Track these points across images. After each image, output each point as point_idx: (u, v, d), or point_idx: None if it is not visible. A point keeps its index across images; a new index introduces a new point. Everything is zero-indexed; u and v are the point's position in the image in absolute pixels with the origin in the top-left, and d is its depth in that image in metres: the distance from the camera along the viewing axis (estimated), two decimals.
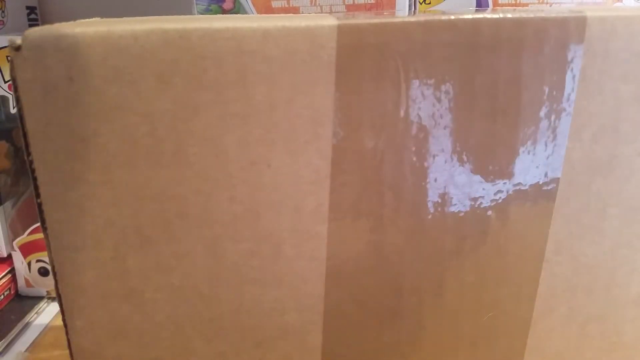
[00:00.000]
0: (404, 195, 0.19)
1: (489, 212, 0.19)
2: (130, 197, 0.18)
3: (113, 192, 0.18)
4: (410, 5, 0.32)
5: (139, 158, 0.17)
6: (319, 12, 0.32)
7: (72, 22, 0.17)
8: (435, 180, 0.19)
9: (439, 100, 0.18)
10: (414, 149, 0.18)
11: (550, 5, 0.33)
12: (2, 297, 0.38)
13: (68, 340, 0.20)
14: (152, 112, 0.17)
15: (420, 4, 0.33)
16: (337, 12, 0.32)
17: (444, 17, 0.17)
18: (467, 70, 0.17)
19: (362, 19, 0.17)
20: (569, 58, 0.18)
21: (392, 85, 0.17)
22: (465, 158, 0.19)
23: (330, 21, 0.17)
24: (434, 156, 0.18)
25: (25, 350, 0.34)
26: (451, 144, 0.18)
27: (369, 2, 0.31)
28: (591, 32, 0.18)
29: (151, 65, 0.17)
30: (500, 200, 0.19)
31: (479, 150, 0.18)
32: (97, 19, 0.19)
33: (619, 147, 0.19)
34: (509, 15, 0.17)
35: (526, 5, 0.33)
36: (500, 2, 0.32)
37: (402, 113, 0.18)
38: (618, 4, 0.35)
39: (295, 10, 0.32)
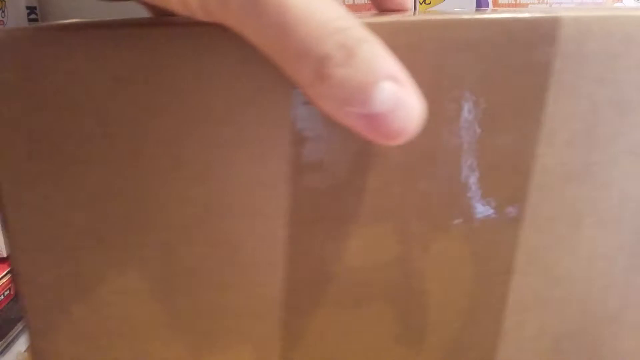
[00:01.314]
0: (365, 201, 0.18)
1: (454, 216, 0.18)
2: (86, 198, 0.17)
3: (69, 193, 0.17)
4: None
5: (95, 159, 0.17)
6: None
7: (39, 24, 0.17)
8: (397, 184, 0.18)
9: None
10: (376, 153, 0.18)
11: (550, 5, 0.32)
12: (2, 297, 0.39)
13: (29, 341, 0.19)
14: (108, 113, 0.17)
15: (421, 4, 0.32)
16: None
17: (407, 19, 0.16)
18: (433, 73, 0.17)
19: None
20: (541, 60, 0.17)
21: None
22: (425, 158, 0.18)
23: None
24: (388, 158, 0.18)
25: (25, 351, 0.34)
26: (414, 148, 0.18)
27: (369, 2, 0.30)
28: (565, 33, 0.17)
29: (108, 67, 0.16)
30: (462, 204, 0.18)
31: (439, 152, 0.18)
32: (76, 20, 0.19)
33: (594, 153, 0.18)
34: (476, 17, 0.16)
35: (526, 5, 0.32)
36: (500, 2, 0.32)
37: None
38: (618, 4, 0.34)
39: None
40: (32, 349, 0.20)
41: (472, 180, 0.18)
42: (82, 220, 0.18)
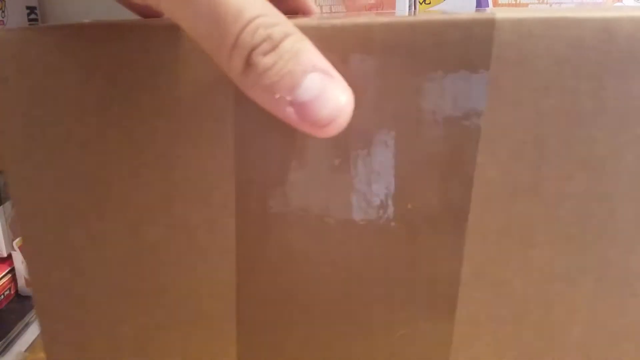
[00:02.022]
0: (309, 198, 0.19)
1: (393, 224, 0.18)
2: (66, 176, 0.20)
3: (53, 172, 0.20)
4: (410, 6, 0.31)
5: (71, 142, 0.20)
6: (319, 12, 0.32)
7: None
8: (340, 185, 0.18)
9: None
10: (319, 152, 0.18)
11: (550, 5, 0.29)
12: (2, 297, 0.39)
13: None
14: (80, 101, 0.19)
15: (421, 4, 0.31)
16: (337, 12, 0.31)
17: (335, 22, 0.17)
18: (360, 78, 0.17)
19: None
20: (475, 65, 0.16)
21: None
22: (365, 165, 0.18)
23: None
24: (339, 162, 0.18)
25: (25, 350, 0.36)
26: (354, 151, 0.18)
27: (370, 2, 0.30)
28: (501, 36, 0.16)
29: (80, 59, 0.19)
30: (403, 211, 0.18)
31: (383, 158, 0.18)
32: (65, 23, 0.22)
33: (545, 166, 0.17)
34: (404, 19, 0.16)
35: (526, 5, 0.30)
36: (500, 2, 0.30)
37: None
38: (618, 4, 0.30)
39: None
40: (35, 301, 0.23)
41: (409, 183, 0.18)
42: (65, 196, 0.20)
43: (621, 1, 0.36)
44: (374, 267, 0.19)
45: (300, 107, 0.16)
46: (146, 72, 0.18)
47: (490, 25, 0.16)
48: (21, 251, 0.22)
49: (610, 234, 0.17)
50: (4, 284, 0.40)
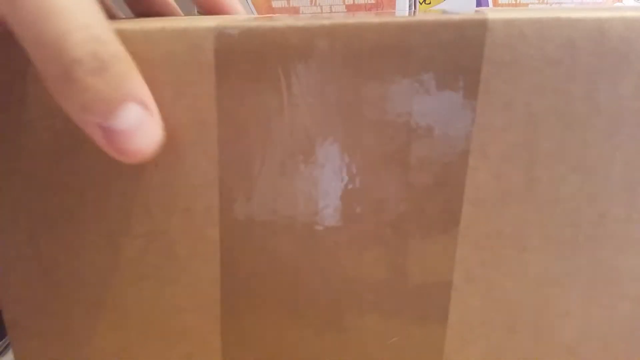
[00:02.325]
0: (295, 204, 0.18)
1: (386, 229, 0.18)
2: (37, 186, 0.19)
3: (22, 181, 0.19)
4: (410, 5, 0.31)
5: (41, 150, 0.19)
6: (318, 12, 0.31)
7: None
8: (325, 190, 0.18)
9: (324, 108, 0.17)
10: (301, 157, 0.18)
11: (551, 6, 0.29)
12: None
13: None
14: (52, 108, 0.18)
15: (421, 4, 0.31)
16: (337, 12, 0.31)
17: (325, 22, 0.16)
18: (351, 79, 0.16)
19: (246, 21, 0.17)
20: (466, 66, 0.16)
21: (273, 90, 0.17)
22: (354, 170, 0.17)
23: (209, 23, 0.17)
24: (322, 166, 0.18)
25: None
26: (339, 155, 0.17)
27: (369, 2, 0.30)
28: (493, 37, 0.15)
29: None
30: (394, 217, 0.18)
31: (369, 163, 0.17)
32: None
33: (537, 169, 0.17)
34: (396, 20, 0.16)
35: (526, 5, 0.30)
36: (500, 2, 0.30)
37: (286, 119, 0.17)
38: (618, 4, 0.31)
39: (295, 11, 0.32)
40: (6, 322, 0.22)
41: (403, 189, 0.17)
42: (36, 206, 0.19)
43: (621, 1, 0.36)
44: (364, 274, 0.18)
45: (110, 134, 0.15)
46: None
47: (482, 26, 0.15)
48: None
49: (601, 236, 0.17)
50: None
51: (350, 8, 0.31)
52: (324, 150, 0.17)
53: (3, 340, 0.33)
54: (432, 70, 0.16)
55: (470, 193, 0.17)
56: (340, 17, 0.17)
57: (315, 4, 0.32)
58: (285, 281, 0.19)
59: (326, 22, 0.16)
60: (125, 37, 0.17)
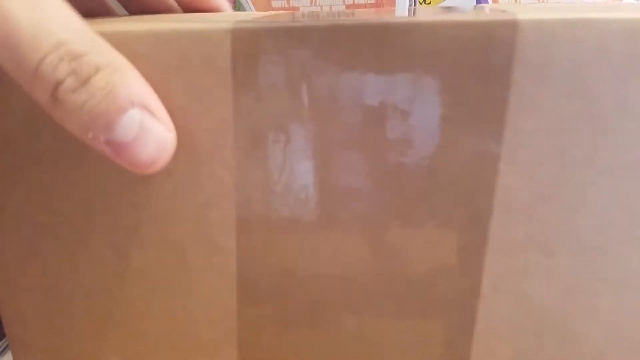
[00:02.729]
0: (315, 211, 0.17)
1: (408, 235, 0.17)
2: (41, 196, 0.18)
3: (26, 191, 0.18)
4: (410, 5, 0.30)
5: (46, 160, 0.18)
6: (318, 12, 0.31)
7: None
8: (345, 194, 0.17)
9: (345, 111, 0.16)
10: (320, 161, 0.17)
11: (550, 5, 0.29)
12: None
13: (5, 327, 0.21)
14: None
15: (421, 3, 0.31)
16: (337, 12, 0.30)
17: (347, 22, 0.15)
18: (374, 82, 0.16)
19: (264, 22, 0.16)
20: (497, 68, 0.15)
21: (292, 93, 0.16)
22: (376, 175, 0.17)
23: (224, 25, 0.16)
24: (343, 169, 0.17)
25: None
26: (360, 160, 0.17)
27: (369, 1, 0.30)
28: (524, 38, 0.15)
29: None
30: (417, 223, 0.17)
31: (392, 169, 0.17)
32: None
33: (567, 173, 0.16)
34: (422, 20, 0.15)
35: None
36: (500, 1, 0.29)
37: (305, 123, 0.16)
38: (617, 3, 0.31)
39: (295, 10, 0.31)
40: (8, 336, 0.21)
41: (429, 195, 0.17)
42: (40, 217, 0.18)
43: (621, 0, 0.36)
44: (386, 282, 0.18)
45: (118, 146, 0.14)
46: None
47: (512, 26, 0.15)
48: None
49: (631, 242, 0.17)
50: None
51: (350, 7, 0.31)
52: (345, 153, 0.17)
53: (3, 340, 0.33)
54: (462, 72, 0.15)
55: (500, 198, 0.16)
56: (363, 17, 0.16)
57: (315, 4, 0.31)
58: (306, 291, 0.18)
59: (349, 21, 0.15)
60: (132, 39, 0.16)
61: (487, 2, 0.30)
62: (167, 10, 0.25)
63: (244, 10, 0.31)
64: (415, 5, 0.31)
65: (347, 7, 0.31)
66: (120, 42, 0.16)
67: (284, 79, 0.16)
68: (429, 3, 0.32)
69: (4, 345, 0.33)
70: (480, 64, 0.15)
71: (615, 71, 0.15)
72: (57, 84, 0.14)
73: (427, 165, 0.16)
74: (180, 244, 0.18)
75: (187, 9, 0.25)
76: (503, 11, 0.16)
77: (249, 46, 0.16)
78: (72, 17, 0.14)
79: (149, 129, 0.15)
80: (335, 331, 0.19)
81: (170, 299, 0.19)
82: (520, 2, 0.31)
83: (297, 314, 0.19)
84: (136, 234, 0.18)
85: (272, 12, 0.21)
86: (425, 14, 0.17)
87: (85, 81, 0.14)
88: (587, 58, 0.15)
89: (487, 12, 0.16)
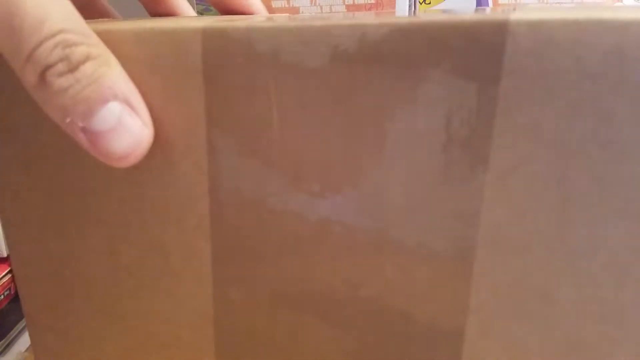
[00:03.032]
0: (287, 219, 0.16)
1: (385, 264, 0.15)
2: (45, 187, 0.19)
3: (32, 180, 0.19)
4: (410, 5, 0.28)
5: (49, 152, 0.18)
6: (318, 12, 0.29)
7: None
8: (326, 208, 0.16)
9: (314, 118, 0.15)
10: (291, 169, 0.16)
11: (550, 5, 0.25)
12: (2, 297, 0.38)
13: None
14: None
15: (421, 4, 0.28)
16: (337, 12, 0.29)
17: (318, 23, 0.14)
18: (345, 88, 0.14)
19: (236, 21, 0.15)
20: (482, 78, 0.13)
21: (262, 96, 0.15)
22: (351, 187, 0.15)
23: (196, 24, 0.15)
24: (317, 179, 0.15)
25: (25, 350, 0.35)
26: (333, 168, 0.15)
27: (369, 2, 0.28)
28: (515, 42, 0.12)
29: None
30: (396, 251, 0.15)
31: (365, 182, 0.15)
32: None
33: (572, 210, 0.13)
34: (400, 22, 0.13)
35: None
36: (500, 1, 0.26)
37: (275, 128, 0.15)
38: (618, 4, 0.25)
39: (295, 11, 0.30)
40: (25, 311, 0.22)
41: (408, 220, 0.15)
42: (44, 206, 0.19)
43: (621, 1, 0.32)
44: (361, 309, 0.16)
45: (93, 136, 0.15)
46: None
47: (502, 28, 0.12)
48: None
49: None
50: (4, 284, 0.40)
51: (350, 8, 0.29)
52: (316, 162, 0.15)
53: (3, 340, 0.34)
54: (438, 81, 0.13)
55: (487, 230, 0.14)
56: (337, 18, 0.14)
57: (315, 4, 0.30)
58: (284, 298, 0.17)
59: (319, 23, 0.14)
60: (116, 38, 0.16)
61: (487, 4, 0.27)
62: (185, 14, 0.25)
63: None
64: (415, 7, 0.29)
65: (347, 7, 0.29)
66: (104, 41, 0.16)
67: (254, 80, 0.15)
68: (429, 3, 0.29)
69: (4, 345, 0.34)
70: (461, 74, 0.13)
71: (632, 84, 0.12)
72: (47, 67, 0.14)
73: (404, 184, 0.14)
74: (163, 245, 0.18)
75: (223, 12, 0.25)
76: (491, 11, 0.13)
77: (219, 46, 0.15)
78: (72, 10, 0.15)
79: (127, 123, 0.15)
80: (317, 343, 0.17)
81: (154, 299, 0.19)
82: (519, 3, 0.28)
83: (275, 324, 0.18)
84: (124, 231, 0.18)
85: (235, 17, 0.20)
86: (416, 17, 0.15)
87: (74, 68, 0.14)
88: (596, 68, 0.12)
89: (473, 14, 0.13)
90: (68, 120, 0.15)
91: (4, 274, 0.40)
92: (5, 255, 0.41)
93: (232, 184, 0.16)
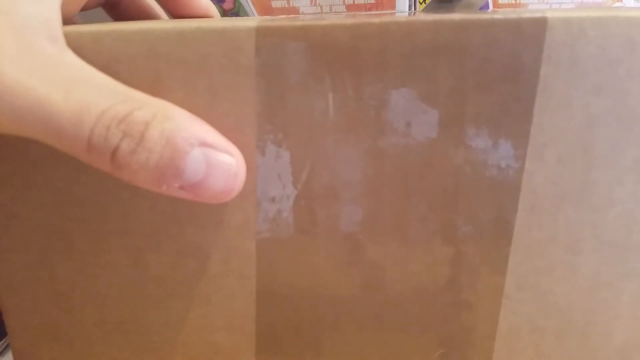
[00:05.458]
0: (337, 214, 0.17)
1: (432, 238, 0.17)
2: (54, 201, 0.17)
3: (37, 196, 0.18)
4: (410, 6, 0.30)
5: (60, 162, 0.17)
6: (318, 12, 0.31)
7: None
8: (368, 201, 0.17)
9: (371, 112, 0.16)
10: (344, 163, 0.17)
11: (550, 6, 0.30)
12: None
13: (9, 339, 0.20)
14: None
15: (421, 4, 0.31)
16: (337, 12, 0.30)
17: (374, 20, 0.15)
18: (401, 80, 0.16)
19: (288, 21, 0.16)
20: (525, 66, 0.15)
21: (318, 93, 0.16)
22: (408, 178, 0.17)
23: (249, 23, 0.15)
24: (367, 177, 0.17)
25: None
26: (386, 161, 0.16)
27: (369, 2, 0.29)
28: (553, 36, 0.15)
29: None
30: (445, 225, 0.17)
31: (416, 170, 0.16)
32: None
33: (593, 171, 0.16)
34: (452, 18, 0.15)
35: (526, 5, 0.30)
36: (500, 2, 0.30)
37: (330, 124, 0.16)
38: (618, 4, 0.31)
39: (295, 11, 0.31)
40: (12, 347, 0.20)
41: (454, 197, 0.17)
42: (51, 223, 0.18)
43: (621, 1, 0.36)
44: (411, 288, 0.18)
45: (192, 188, 0.15)
46: (150, 80, 0.16)
47: (542, 24, 0.15)
48: None
49: None
50: None
51: (350, 8, 0.31)
52: (370, 157, 0.16)
53: (3, 340, 0.32)
54: (489, 69, 0.15)
55: (526, 198, 0.16)
56: (389, 16, 0.16)
57: (315, 4, 0.31)
58: (325, 298, 0.18)
59: (376, 20, 0.15)
60: (156, 37, 0.16)
61: (487, 7, 0.30)
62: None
63: (244, 10, 0.31)
64: (415, 7, 0.31)
65: (347, 7, 0.31)
66: (142, 41, 0.16)
67: (309, 78, 0.16)
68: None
69: (4, 345, 0.32)
70: (508, 62, 0.15)
71: None
72: (114, 151, 0.14)
73: (453, 165, 0.16)
74: (199, 249, 0.18)
75: (175, 16, 0.24)
76: (532, 10, 0.16)
77: (273, 44, 0.15)
78: (101, 79, 0.15)
79: (215, 161, 0.15)
80: (359, 336, 0.18)
81: (189, 307, 0.18)
82: (519, 4, 0.32)
83: (317, 321, 0.18)
84: (154, 239, 0.18)
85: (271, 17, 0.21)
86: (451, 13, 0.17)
87: (140, 139, 0.14)
88: (615, 55, 0.15)
89: (515, 12, 0.16)
90: (164, 187, 0.14)
91: None
92: None
93: (283, 181, 0.17)
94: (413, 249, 0.17)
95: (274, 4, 0.31)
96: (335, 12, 0.30)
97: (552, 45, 0.15)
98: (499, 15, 0.15)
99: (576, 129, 0.16)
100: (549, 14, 0.15)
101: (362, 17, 0.16)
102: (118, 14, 0.23)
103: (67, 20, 0.16)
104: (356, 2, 0.30)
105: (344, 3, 0.30)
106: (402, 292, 0.18)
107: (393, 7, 0.30)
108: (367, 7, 0.30)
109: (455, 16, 0.15)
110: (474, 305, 0.18)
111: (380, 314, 0.18)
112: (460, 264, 0.17)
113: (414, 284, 0.17)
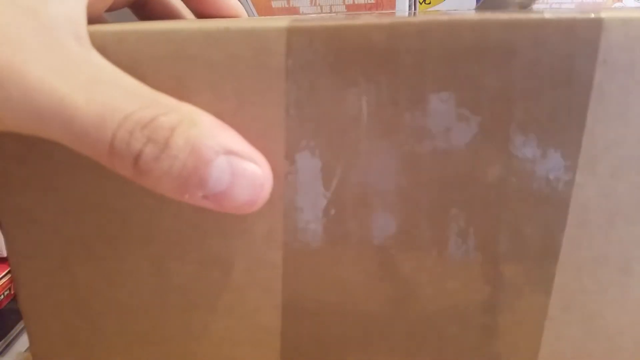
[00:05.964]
0: (368, 225, 0.16)
1: (472, 254, 0.16)
2: (75, 206, 0.17)
3: (58, 200, 0.17)
4: (410, 6, 0.29)
5: (83, 167, 0.16)
6: (318, 12, 0.30)
7: None
8: (405, 215, 0.16)
9: (408, 117, 0.15)
10: (378, 171, 0.16)
11: (550, 6, 0.28)
12: (2, 297, 0.38)
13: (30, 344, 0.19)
14: None
15: (421, 4, 0.30)
16: (337, 12, 0.30)
17: (413, 20, 0.14)
18: (442, 83, 0.14)
19: (320, 21, 0.15)
20: (578, 70, 0.14)
21: (351, 96, 0.15)
22: (447, 184, 0.15)
23: (279, 23, 0.15)
24: (402, 186, 0.16)
25: (25, 351, 0.35)
26: (423, 170, 0.15)
27: (369, 2, 0.29)
28: (609, 38, 0.14)
29: None
30: (485, 241, 0.16)
31: (455, 180, 0.15)
32: None
33: None
34: (498, 17, 0.14)
35: None
36: None
37: (363, 129, 0.15)
38: (618, 4, 0.30)
39: (295, 11, 0.30)
40: (32, 352, 0.19)
41: (497, 211, 0.15)
42: (72, 229, 0.17)
43: (621, 1, 0.35)
44: (446, 307, 0.17)
45: (216, 197, 0.14)
46: (175, 82, 0.15)
47: (597, 25, 0.14)
48: (15, 291, 0.19)
49: None
50: (4, 284, 0.38)
51: (350, 8, 0.30)
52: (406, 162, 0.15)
53: (3, 340, 0.33)
54: (539, 73, 0.14)
55: (575, 213, 0.15)
56: (430, 15, 0.15)
57: (315, 4, 0.30)
58: (354, 313, 0.17)
59: (415, 20, 0.14)
60: (183, 38, 0.15)
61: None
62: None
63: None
64: (415, 7, 0.30)
65: (347, 7, 0.30)
66: (169, 41, 0.15)
67: (343, 81, 0.15)
68: (429, 3, 0.31)
69: (4, 345, 0.32)
70: (560, 66, 0.14)
71: None
72: (137, 156, 0.13)
73: (496, 176, 0.15)
74: (224, 258, 0.17)
75: (201, 16, 0.24)
76: (581, 10, 0.15)
77: (305, 45, 0.15)
78: (126, 82, 0.14)
79: (240, 170, 0.14)
80: (387, 351, 0.17)
81: (211, 318, 0.18)
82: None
83: (344, 335, 0.17)
84: (177, 248, 0.17)
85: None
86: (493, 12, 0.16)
87: (164, 146, 0.13)
88: None
89: (568, 12, 0.14)
90: (187, 196, 0.14)
91: (3, 274, 0.38)
92: (5, 255, 0.38)
93: (312, 190, 0.16)
94: (450, 265, 0.16)
95: (274, 4, 0.30)
96: (335, 12, 0.30)
97: (608, 48, 0.14)
98: (550, 15, 0.14)
99: (632, 140, 0.14)
100: (604, 14, 0.14)
101: (399, 17, 0.15)
102: (144, 14, 0.22)
103: (93, 21, 0.16)
104: (356, 2, 0.29)
105: (344, 3, 0.29)
106: (437, 311, 0.17)
107: (393, 7, 0.30)
108: (367, 7, 0.29)
109: (502, 16, 0.14)
110: (514, 328, 0.16)
111: (412, 334, 0.17)
112: (501, 283, 0.16)
113: (450, 303, 0.16)
